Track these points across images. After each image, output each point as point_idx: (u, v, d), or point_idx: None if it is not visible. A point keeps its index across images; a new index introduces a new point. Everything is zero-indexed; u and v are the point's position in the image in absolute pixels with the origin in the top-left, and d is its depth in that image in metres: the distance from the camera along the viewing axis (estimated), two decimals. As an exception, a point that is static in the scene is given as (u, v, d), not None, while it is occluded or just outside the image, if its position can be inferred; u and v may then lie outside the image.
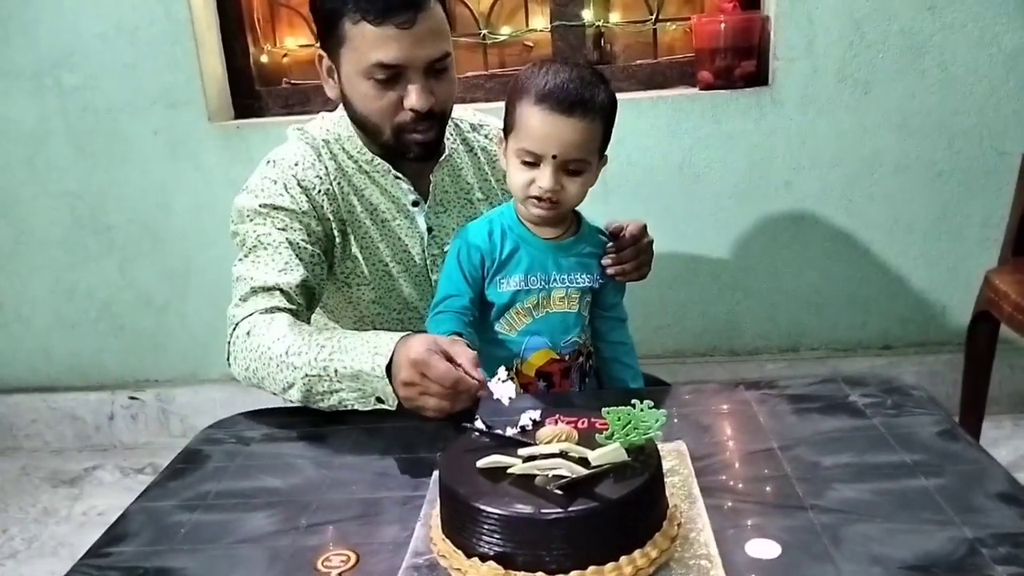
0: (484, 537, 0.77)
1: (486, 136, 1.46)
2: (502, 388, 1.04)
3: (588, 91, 1.13)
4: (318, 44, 1.31)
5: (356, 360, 1.10)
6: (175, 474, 1.06)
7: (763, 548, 0.81)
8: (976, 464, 0.94)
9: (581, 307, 1.25)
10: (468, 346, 1.09)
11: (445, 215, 1.39)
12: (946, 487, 0.89)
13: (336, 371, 1.11)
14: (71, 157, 2.30)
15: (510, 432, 0.88)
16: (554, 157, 1.13)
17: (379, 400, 1.11)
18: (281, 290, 1.22)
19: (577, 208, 1.25)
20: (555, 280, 1.23)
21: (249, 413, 1.22)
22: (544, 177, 1.14)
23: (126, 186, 2.31)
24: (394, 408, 1.11)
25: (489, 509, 0.76)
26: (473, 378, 1.04)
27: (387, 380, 1.08)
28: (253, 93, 2.35)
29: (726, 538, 0.82)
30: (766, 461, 0.98)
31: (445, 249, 1.37)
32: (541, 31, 2.32)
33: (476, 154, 1.44)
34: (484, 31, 2.35)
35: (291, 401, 1.18)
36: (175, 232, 2.30)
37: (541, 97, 1.12)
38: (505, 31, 2.36)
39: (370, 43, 1.20)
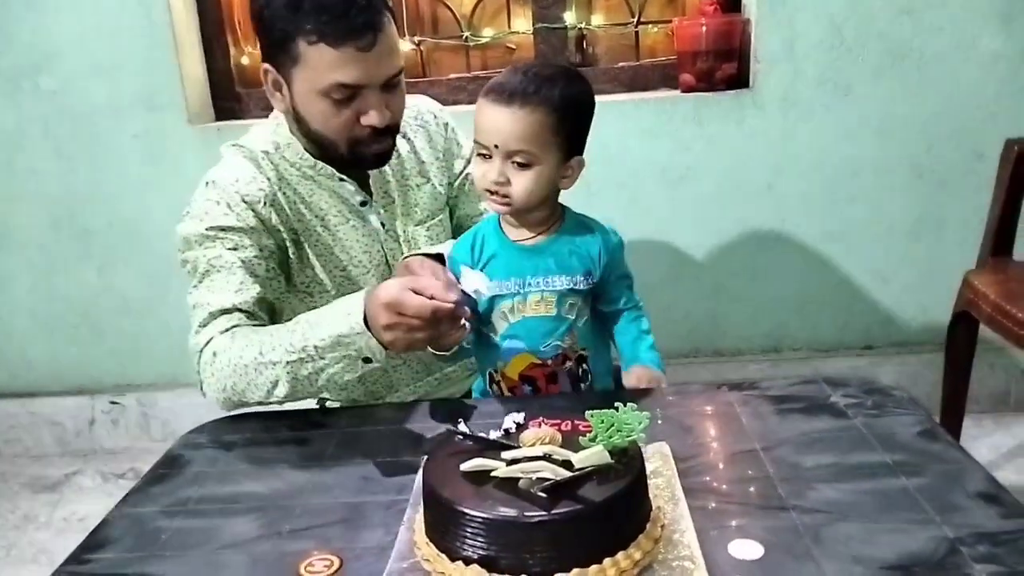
0: (468, 540, 0.77)
1: (416, 116, 1.44)
2: (470, 280, 1.14)
3: (535, 84, 1.12)
4: (263, 58, 1.26)
5: (332, 327, 1.11)
6: (156, 479, 1.06)
7: (746, 549, 0.82)
8: (956, 464, 0.95)
9: (562, 310, 1.21)
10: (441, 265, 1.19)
11: (393, 206, 1.39)
12: (926, 487, 0.90)
13: (316, 347, 1.11)
14: (50, 160, 2.27)
15: (494, 435, 0.88)
16: (496, 147, 1.13)
17: (366, 361, 1.12)
18: (240, 310, 1.21)
19: (564, 205, 1.24)
20: (529, 284, 1.20)
21: (231, 417, 1.21)
22: (491, 169, 1.15)
23: (105, 189, 2.29)
24: (383, 361, 1.12)
25: (473, 512, 0.76)
26: (448, 302, 1.06)
27: (369, 334, 1.09)
28: (234, 95, 2.33)
29: (709, 539, 0.83)
30: (749, 462, 0.98)
31: (401, 242, 1.39)
32: (523, 33, 2.32)
33: (410, 139, 1.43)
34: (466, 33, 2.35)
35: (280, 400, 1.17)
36: (155, 235, 2.28)
37: (487, 90, 1.14)
38: (487, 33, 2.36)
39: (328, 64, 1.18)
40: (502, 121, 1.12)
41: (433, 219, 1.43)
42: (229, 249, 1.23)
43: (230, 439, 1.14)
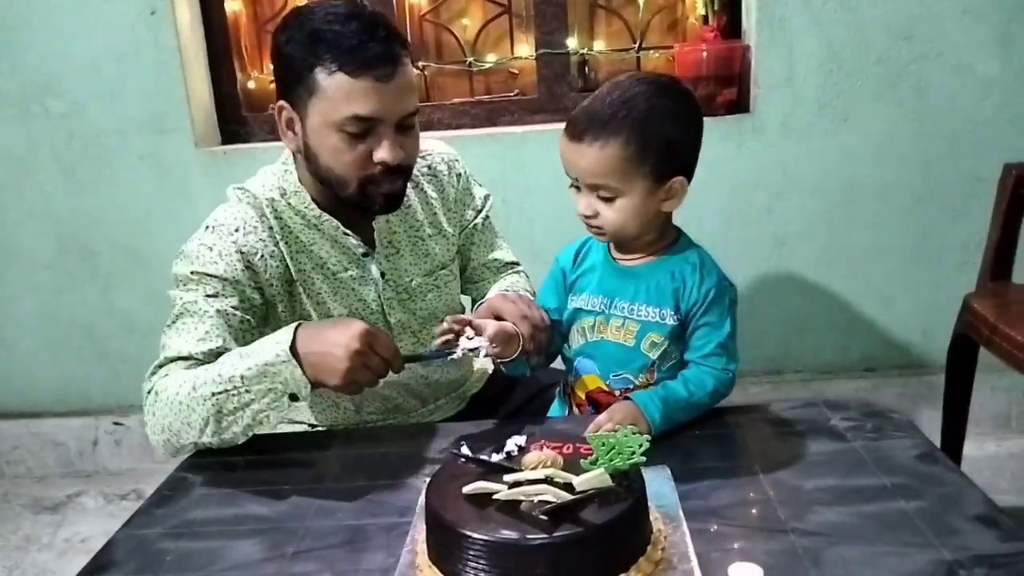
0: (470, 563, 0.77)
1: (428, 167, 1.42)
2: (468, 344, 1.12)
3: (607, 114, 1.07)
4: (278, 96, 1.25)
5: (260, 355, 1.11)
6: (161, 501, 1.06)
7: (745, 571, 0.82)
8: (954, 487, 0.96)
9: (642, 343, 1.14)
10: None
11: (397, 257, 1.37)
12: (925, 510, 0.91)
13: (242, 377, 1.10)
14: (58, 182, 2.30)
15: (495, 458, 0.89)
16: (575, 179, 1.12)
17: (292, 398, 1.12)
18: (195, 359, 1.18)
19: (683, 232, 1.20)
20: (616, 307, 1.16)
21: (235, 439, 1.22)
22: (580, 201, 1.13)
23: (112, 211, 2.31)
24: (307, 399, 1.12)
25: (475, 535, 0.77)
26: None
27: (295, 363, 1.09)
28: (240, 119, 2.36)
29: (709, 561, 0.83)
30: (749, 485, 0.99)
31: (399, 291, 1.37)
32: (526, 59, 2.35)
33: (423, 188, 1.41)
34: (470, 59, 2.38)
35: (210, 444, 1.15)
36: (160, 257, 2.26)
37: (567, 122, 1.12)
38: (491, 59, 2.39)
39: (346, 95, 1.17)
40: (577, 157, 1.09)
41: (443, 269, 1.42)
42: (208, 296, 1.22)
43: (233, 461, 1.15)
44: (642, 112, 1.07)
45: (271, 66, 1.30)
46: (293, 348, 1.10)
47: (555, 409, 1.31)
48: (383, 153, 1.20)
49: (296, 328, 1.12)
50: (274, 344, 1.11)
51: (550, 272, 1.26)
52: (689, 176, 1.14)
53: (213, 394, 1.11)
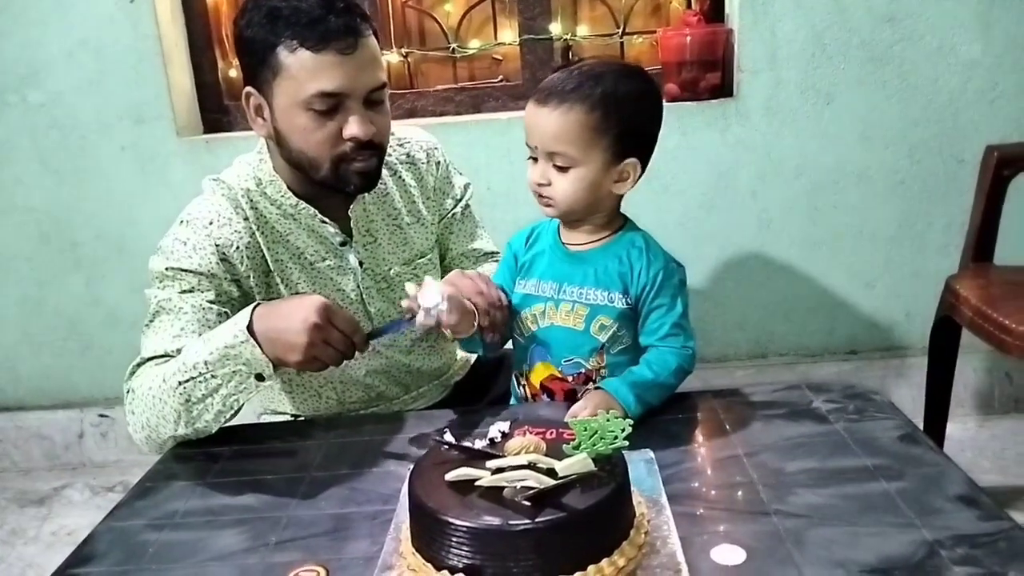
0: (453, 550, 0.77)
1: (407, 154, 1.41)
2: (427, 295, 1.08)
3: (575, 82, 1.08)
4: (244, 83, 1.24)
5: (220, 339, 1.10)
6: (143, 493, 1.06)
7: (729, 554, 0.83)
8: (935, 467, 0.97)
9: (591, 328, 1.14)
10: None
11: (375, 245, 1.36)
12: (906, 490, 0.91)
13: (206, 362, 1.10)
14: (38, 174, 2.27)
15: (479, 445, 0.89)
16: (536, 148, 1.12)
17: (259, 378, 1.11)
18: (171, 356, 1.17)
19: (629, 219, 1.19)
20: (565, 291, 1.15)
21: (218, 429, 1.21)
22: (535, 170, 1.13)
23: (93, 202, 2.29)
24: (272, 376, 1.11)
25: (457, 522, 0.77)
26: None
27: (253, 342, 1.08)
28: (222, 108, 2.34)
29: (692, 545, 0.84)
30: (732, 468, 0.99)
31: (378, 280, 1.36)
32: (510, 44, 2.34)
33: (400, 176, 1.40)
34: (453, 45, 2.37)
35: (187, 435, 1.15)
36: (143, 248, 2.22)
37: (534, 90, 1.13)
38: (474, 45, 2.38)
39: (310, 71, 1.16)
40: (540, 121, 1.09)
41: (422, 258, 1.41)
42: (183, 292, 1.21)
43: (216, 451, 1.14)
44: (609, 87, 1.09)
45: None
46: (251, 327, 1.09)
47: (513, 400, 1.29)
48: (353, 128, 1.19)
49: (254, 308, 1.12)
50: (232, 326, 1.11)
51: (503, 257, 1.26)
52: (643, 163, 1.14)
53: (180, 383, 1.11)
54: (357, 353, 1.13)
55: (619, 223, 1.18)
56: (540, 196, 1.14)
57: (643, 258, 1.14)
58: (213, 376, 1.10)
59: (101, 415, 2.47)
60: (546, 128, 1.09)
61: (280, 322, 1.09)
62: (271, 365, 1.10)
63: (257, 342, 1.09)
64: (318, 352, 1.09)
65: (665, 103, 2.16)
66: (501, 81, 2.35)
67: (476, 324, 1.14)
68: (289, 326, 1.08)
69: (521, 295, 1.19)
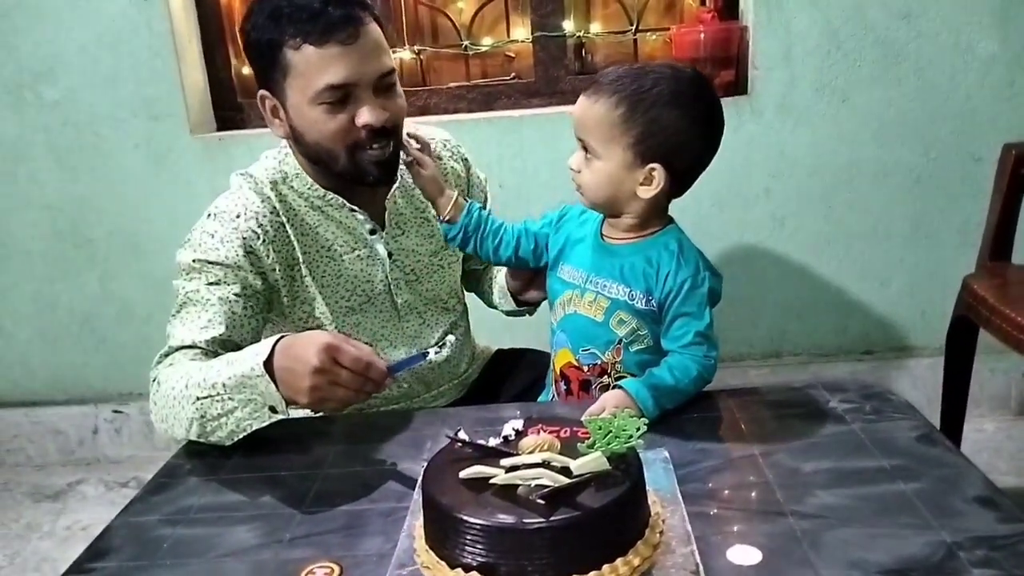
0: (467, 548, 0.77)
1: (437, 156, 1.40)
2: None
3: (615, 76, 1.10)
4: (258, 86, 1.27)
5: (240, 365, 1.09)
6: (157, 488, 1.06)
7: (744, 554, 0.82)
8: (953, 468, 0.96)
9: (611, 321, 1.15)
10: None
11: (404, 237, 1.37)
12: (924, 491, 0.90)
13: (224, 384, 1.09)
14: (52, 170, 2.28)
15: (493, 442, 0.89)
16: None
17: (272, 410, 1.09)
18: (198, 347, 1.19)
19: (674, 223, 1.19)
20: (591, 281, 1.17)
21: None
22: (574, 155, 1.15)
23: (107, 199, 2.30)
24: (286, 414, 1.09)
25: (472, 519, 0.77)
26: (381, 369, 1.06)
27: (268, 379, 1.06)
28: (235, 105, 2.35)
29: (708, 545, 0.83)
30: (748, 468, 0.99)
31: (406, 271, 1.37)
32: (522, 42, 2.33)
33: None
34: (466, 42, 2.36)
35: (198, 440, 1.14)
36: (157, 244, 2.29)
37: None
38: (487, 42, 2.38)
39: (316, 66, 1.18)
40: (578, 107, 1.13)
41: (447, 249, 1.42)
42: (209, 284, 1.21)
43: (231, 447, 1.14)
44: (645, 87, 1.09)
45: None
46: (269, 362, 1.07)
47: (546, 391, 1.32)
48: (365, 116, 1.21)
49: (277, 341, 1.09)
50: (253, 356, 1.09)
51: (549, 214, 1.30)
52: (671, 171, 1.11)
53: (198, 398, 1.11)
54: (376, 389, 1.07)
55: (659, 225, 1.18)
56: (574, 181, 1.16)
57: (673, 262, 1.13)
58: (230, 399, 1.09)
59: (115, 411, 2.48)
60: (578, 114, 1.13)
61: (289, 362, 1.06)
62: (283, 403, 1.08)
63: (273, 378, 1.07)
64: (325, 394, 1.05)
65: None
66: (513, 79, 2.34)
67: (454, 202, 1.25)
68: (295, 367, 1.05)
69: (558, 280, 1.22)
